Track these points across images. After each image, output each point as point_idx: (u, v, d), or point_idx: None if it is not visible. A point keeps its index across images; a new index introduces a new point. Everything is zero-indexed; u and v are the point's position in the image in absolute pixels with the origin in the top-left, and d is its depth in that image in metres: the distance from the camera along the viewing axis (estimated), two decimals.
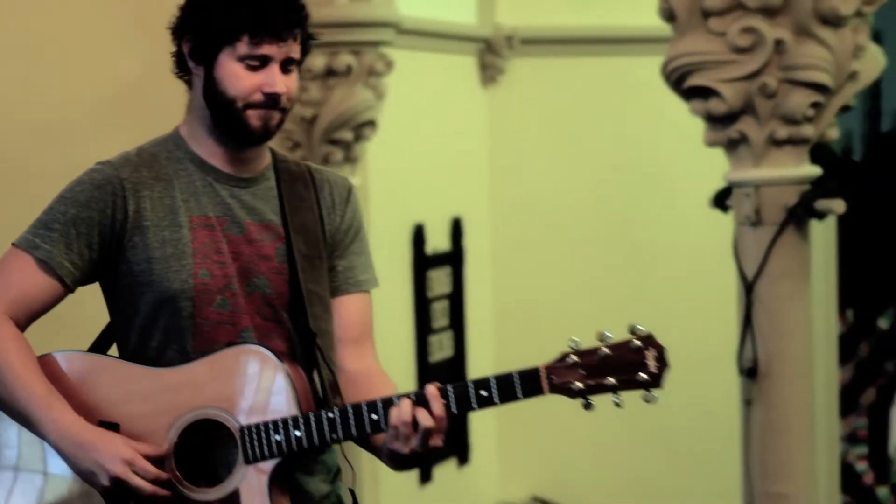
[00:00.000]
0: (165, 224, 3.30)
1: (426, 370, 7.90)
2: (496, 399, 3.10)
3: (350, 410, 3.17)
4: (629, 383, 3.10)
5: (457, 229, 8.31)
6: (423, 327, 7.87)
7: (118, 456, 3.18)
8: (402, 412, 3.05)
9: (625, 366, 3.10)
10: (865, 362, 10.84)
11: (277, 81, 3.25)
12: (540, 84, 8.69)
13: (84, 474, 3.25)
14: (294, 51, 3.30)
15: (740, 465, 5.34)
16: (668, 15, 5.09)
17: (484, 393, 3.09)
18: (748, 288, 5.09)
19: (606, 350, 3.09)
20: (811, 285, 6.92)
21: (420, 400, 3.07)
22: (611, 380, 3.09)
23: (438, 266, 8.13)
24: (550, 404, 8.13)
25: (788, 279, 5.11)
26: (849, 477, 10.66)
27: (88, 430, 3.24)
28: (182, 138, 3.40)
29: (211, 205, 3.34)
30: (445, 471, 8.18)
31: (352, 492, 3.51)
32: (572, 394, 3.10)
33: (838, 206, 5.11)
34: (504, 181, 8.68)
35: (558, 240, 8.63)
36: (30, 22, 6.32)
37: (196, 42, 3.30)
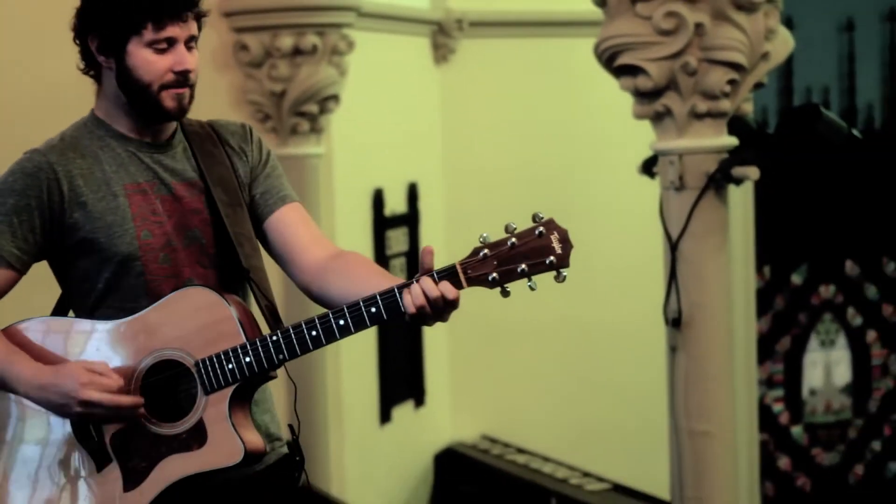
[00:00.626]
0: (101, 195, 3.32)
1: None
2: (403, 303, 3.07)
3: (292, 333, 3.18)
4: (540, 266, 3.06)
5: (413, 193, 8.34)
6: None
7: (77, 381, 3.19)
8: (415, 296, 3.05)
9: (533, 251, 3.06)
10: (781, 314, 10.90)
11: (186, 59, 3.29)
12: (487, 63, 8.71)
13: (58, 410, 3.28)
14: (193, 28, 3.33)
15: (667, 406, 5.35)
16: (600, 1, 5.12)
17: (387, 300, 3.10)
18: (673, 246, 5.12)
19: (514, 240, 3.05)
20: (730, 244, 6.97)
21: (403, 286, 3.09)
22: (523, 266, 3.05)
23: (396, 227, 8.16)
24: (498, 352, 8.25)
25: (709, 238, 5.13)
26: (766, 417, 10.74)
27: (46, 371, 3.26)
28: (100, 119, 3.42)
29: (139, 172, 3.37)
30: (403, 412, 8.22)
31: (291, 427, 3.50)
32: (489, 284, 3.07)
33: (753, 172, 5.13)
34: (455, 150, 8.70)
35: (503, 203, 8.64)
36: None
37: (103, 37, 3.30)
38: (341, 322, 3.13)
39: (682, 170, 5.07)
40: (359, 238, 7.61)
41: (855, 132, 5.25)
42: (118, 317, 3.34)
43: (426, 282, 3.03)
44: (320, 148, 7.21)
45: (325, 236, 3.54)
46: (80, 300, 3.44)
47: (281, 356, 3.21)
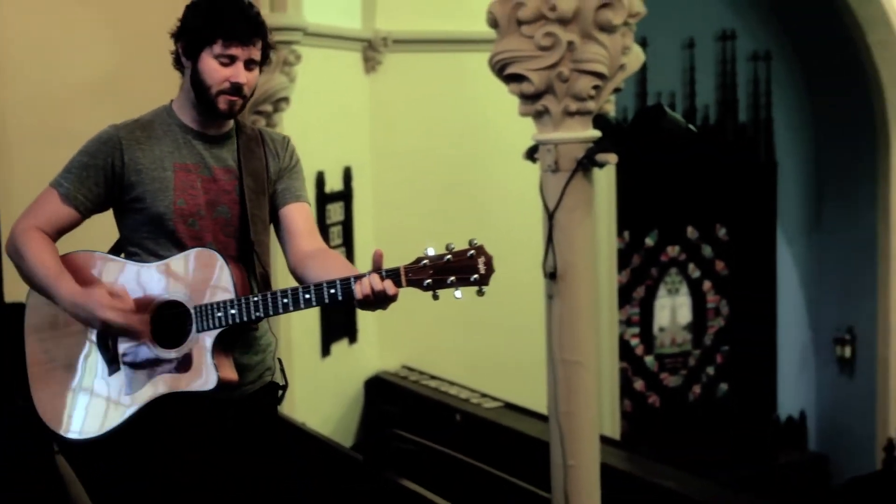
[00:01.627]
0: (154, 167, 3.43)
1: None
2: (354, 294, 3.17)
3: (269, 297, 3.28)
4: (465, 281, 3.16)
5: (347, 175, 8.33)
6: None
7: (99, 302, 3.32)
8: (364, 285, 3.14)
9: (462, 268, 3.15)
10: (637, 269, 11.04)
11: (241, 75, 3.38)
12: (407, 72, 8.71)
13: (84, 322, 3.41)
14: (255, 54, 3.42)
15: (545, 341, 5.37)
16: (493, 23, 5.09)
17: (344, 289, 3.17)
18: (550, 216, 5.12)
19: (450, 256, 3.14)
20: (596, 214, 7.00)
21: (356, 279, 3.16)
22: (452, 279, 3.14)
23: (334, 201, 8.14)
24: (415, 300, 8.19)
25: (578, 210, 5.12)
26: (625, 349, 10.88)
27: (80, 291, 3.39)
28: (173, 110, 3.53)
29: (189, 155, 3.47)
30: (339, 348, 8.22)
31: (279, 361, 3.65)
32: (423, 287, 3.16)
33: (612, 158, 5.13)
34: (381, 142, 8.71)
35: (420, 183, 8.68)
36: (37, 21, 6.34)
37: (187, 44, 3.42)
38: (307, 296, 3.22)
39: (557, 156, 5.08)
40: None
41: (692, 127, 5.27)
42: (149, 261, 3.45)
43: (374, 277, 3.11)
44: (279, 132, 7.18)
45: (318, 234, 3.61)
46: (127, 246, 3.55)
47: (258, 313, 3.30)
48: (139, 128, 3.49)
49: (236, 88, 3.38)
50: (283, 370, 3.66)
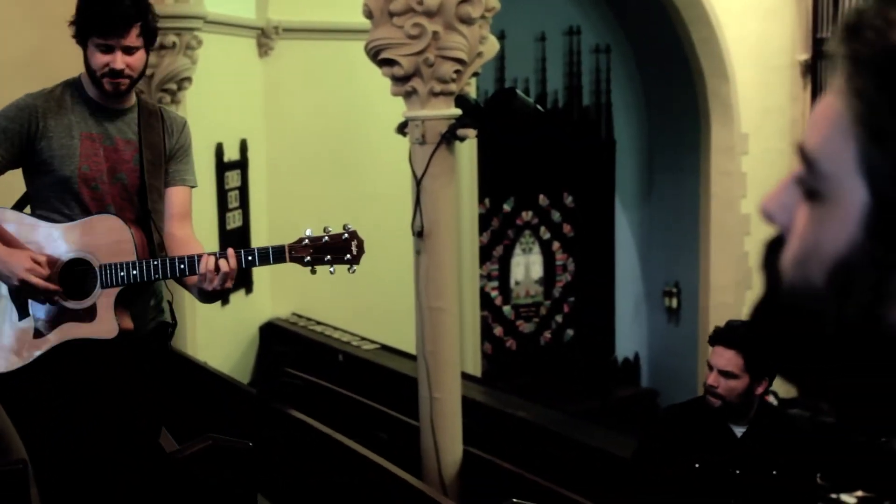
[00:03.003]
0: (63, 135, 3.42)
1: (225, 235, 7.85)
2: (257, 261, 3.28)
3: (167, 261, 3.32)
4: (339, 260, 3.32)
5: (244, 146, 8.24)
6: (223, 207, 7.81)
7: (22, 265, 3.31)
8: (208, 263, 3.18)
9: (338, 249, 3.31)
10: (496, 231, 11.12)
11: (118, 61, 3.37)
12: (296, 57, 8.64)
13: (3, 279, 3.38)
14: (132, 41, 3.40)
15: (414, 291, 5.41)
16: (368, 14, 5.09)
17: (250, 258, 3.28)
18: (418, 182, 5.14)
19: (327, 238, 3.30)
20: (460, 182, 7.05)
21: (221, 255, 3.22)
22: (328, 257, 3.30)
23: (232, 169, 8.06)
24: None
25: (442, 177, 5.15)
26: (486, 300, 10.96)
27: (2, 249, 3.36)
28: (81, 83, 3.52)
29: (94, 126, 3.46)
30: (237, 298, 8.16)
31: (169, 303, 3.65)
32: (303, 263, 3.29)
33: (471, 133, 5.17)
34: (274, 117, 8.63)
35: (308, 154, 8.64)
36: None
37: (77, 34, 3.44)
38: (181, 265, 3.29)
39: (424, 130, 5.10)
40: (206, 177, 7.49)
41: (539, 107, 5.33)
42: (56, 220, 3.43)
43: (212, 259, 3.23)
44: (179, 114, 7.10)
45: (190, 219, 3.62)
46: (34, 202, 3.53)
47: (157, 276, 3.34)
48: (53, 98, 3.46)
49: (115, 73, 3.36)
50: (172, 311, 3.66)
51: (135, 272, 3.31)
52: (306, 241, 3.28)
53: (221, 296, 3.32)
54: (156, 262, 3.31)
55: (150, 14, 3.47)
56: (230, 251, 3.24)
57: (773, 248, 0.81)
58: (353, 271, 3.34)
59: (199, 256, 3.26)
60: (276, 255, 3.25)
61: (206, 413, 5.91)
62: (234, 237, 8.00)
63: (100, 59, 3.36)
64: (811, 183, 0.76)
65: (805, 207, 0.77)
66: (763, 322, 0.82)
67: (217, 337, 7.77)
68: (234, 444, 4.35)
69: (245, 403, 5.99)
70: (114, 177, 3.45)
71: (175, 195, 3.57)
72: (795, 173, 0.78)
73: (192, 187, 3.66)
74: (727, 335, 3.80)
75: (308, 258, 3.28)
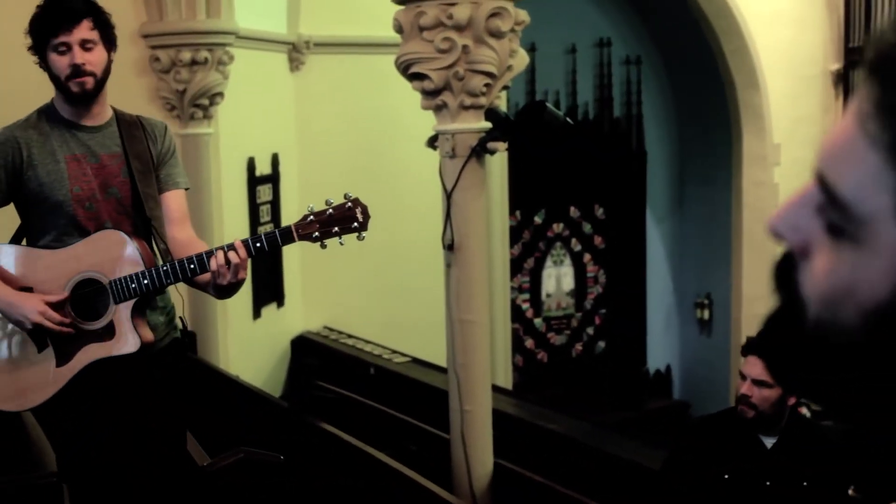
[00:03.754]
0: (48, 161, 3.40)
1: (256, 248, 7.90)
2: (266, 246, 3.23)
3: (176, 264, 3.29)
4: (347, 230, 3.29)
5: (275, 161, 8.30)
6: (254, 221, 7.86)
7: (35, 309, 3.29)
8: (218, 258, 3.16)
9: (344, 218, 3.28)
10: (527, 243, 11.11)
11: (77, 56, 3.37)
12: (327, 71, 8.70)
13: (16, 323, 3.35)
14: (86, 34, 3.39)
15: (445, 303, 5.41)
16: (399, 28, 5.11)
17: (258, 244, 3.23)
18: (448, 195, 5.14)
19: (331, 210, 3.26)
20: (490, 195, 7.05)
21: (230, 248, 3.18)
22: (336, 228, 3.27)
23: (264, 184, 8.11)
24: (335, 268, 8.14)
25: (472, 190, 5.15)
26: (517, 312, 10.96)
27: (13, 294, 3.35)
28: (54, 107, 3.50)
29: (76, 147, 3.44)
30: (269, 311, 8.22)
31: (182, 319, 3.65)
32: (312, 239, 3.26)
33: (501, 146, 5.16)
34: (305, 132, 8.69)
35: (339, 167, 8.67)
36: None
37: (35, 52, 3.45)
38: (192, 266, 3.26)
39: (454, 144, 5.10)
40: (237, 191, 7.57)
41: (569, 120, 5.33)
42: (56, 246, 3.40)
43: (221, 253, 3.20)
44: (210, 129, 7.16)
45: (188, 220, 3.62)
46: (30, 234, 3.50)
47: (169, 280, 3.31)
48: (31, 126, 3.45)
49: (76, 70, 3.36)
50: (185, 327, 3.67)
51: (146, 281, 3.29)
52: (311, 217, 3.27)
53: (236, 289, 3.29)
54: (165, 267, 3.29)
55: (102, 11, 3.47)
56: (237, 242, 3.22)
57: (786, 268, 0.79)
58: (363, 238, 3.31)
59: (208, 254, 3.25)
60: (283, 236, 3.23)
61: (238, 426, 5.95)
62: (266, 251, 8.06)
63: (59, 61, 3.38)
64: (839, 223, 0.72)
65: (828, 242, 0.74)
66: (784, 343, 0.81)
67: (249, 350, 7.81)
68: (265, 457, 4.37)
69: (276, 416, 6.03)
70: (106, 192, 3.44)
71: (171, 200, 3.57)
72: (811, 198, 0.75)
73: (186, 189, 3.66)
74: (759, 345, 3.79)
75: (316, 234, 3.26)
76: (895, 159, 0.68)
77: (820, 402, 0.80)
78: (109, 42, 3.47)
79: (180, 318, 3.65)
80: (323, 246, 3.28)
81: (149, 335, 3.40)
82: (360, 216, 3.30)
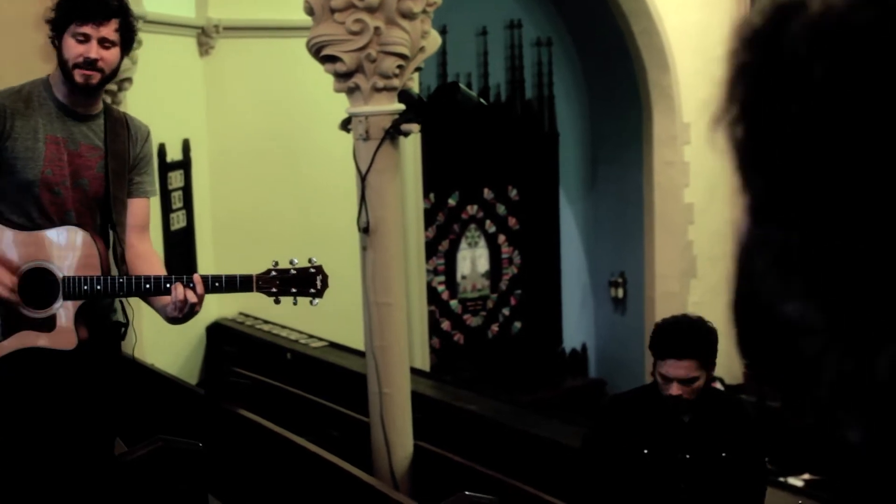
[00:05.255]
0: (28, 137, 3.40)
1: (169, 235, 7.82)
2: (224, 286, 3.38)
3: (133, 280, 3.36)
4: (304, 293, 3.47)
5: (186, 146, 8.20)
6: (166, 208, 7.77)
7: None
8: (177, 293, 3.24)
9: (303, 282, 3.45)
10: (442, 225, 11.13)
11: (93, 51, 3.37)
12: (238, 56, 8.63)
13: None
14: (108, 34, 3.40)
15: (361, 287, 5.41)
16: (310, 11, 5.07)
17: (217, 284, 3.36)
18: (362, 178, 5.13)
19: (294, 271, 3.44)
20: (404, 178, 7.02)
21: (189, 282, 3.26)
22: (294, 289, 3.44)
23: (175, 170, 8.02)
24: (251, 253, 8.08)
25: (386, 172, 5.14)
26: (433, 295, 10.98)
27: None
28: (49, 84, 3.50)
29: (60, 129, 3.44)
30: None
31: (121, 302, 3.64)
32: (269, 294, 3.42)
33: (415, 128, 5.18)
34: (215, 116, 8.59)
35: (251, 152, 8.60)
36: None
37: (53, 26, 3.44)
38: (168, 284, 3.32)
39: (368, 126, 5.09)
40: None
41: (482, 101, 5.35)
42: (19, 222, 3.41)
43: (180, 287, 3.29)
44: (143, 123, 7.05)
45: (148, 232, 3.65)
46: None
47: (121, 291, 3.37)
48: (21, 98, 3.44)
49: (88, 63, 3.36)
50: (124, 309, 3.65)
51: (99, 287, 3.34)
52: (274, 272, 3.42)
53: (189, 318, 3.37)
54: (122, 280, 3.34)
55: (131, 15, 3.51)
56: (197, 278, 3.31)
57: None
58: (315, 304, 3.48)
59: (166, 279, 3.31)
60: (243, 283, 3.37)
61: (155, 415, 5.88)
62: (178, 238, 7.96)
63: (75, 48, 3.37)
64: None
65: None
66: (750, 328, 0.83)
67: (163, 338, 7.71)
68: (183, 445, 4.33)
69: (194, 404, 5.97)
70: (75, 182, 3.44)
71: (136, 206, 3.59)
72: None
73: (150, 197, 3.69)
74: (677, 348, 3.71)
75: (274, 289, 3.40)
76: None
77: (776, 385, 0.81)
78: (127, 45, 3.48)
79: (120, 301, 3.64)
80: (277, 301, 3.44)
81: (85, 334, 3.46)
82: (318, 284, 3.47)
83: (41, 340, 3.36)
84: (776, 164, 0.69)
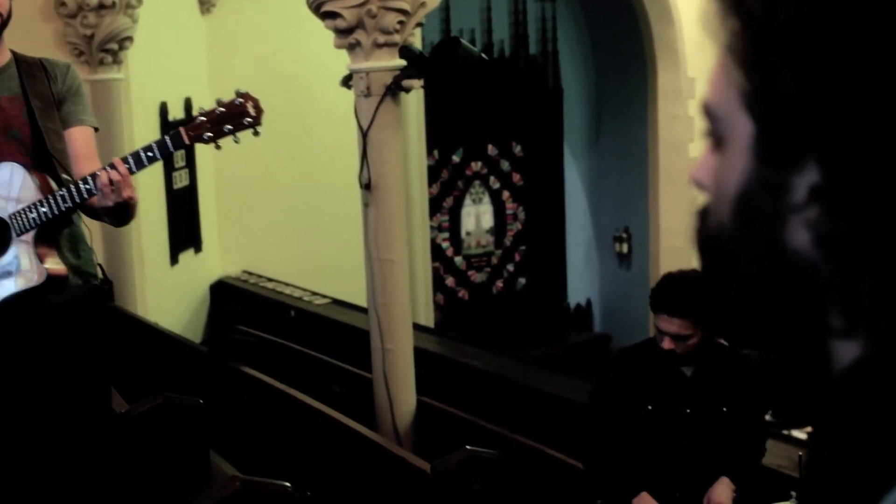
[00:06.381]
0: None
1: (172, 194, 7.80)
2: (158, 155, 3.15)
3: (72, 186, 3.22)
4: (240, 126, 3.16)
5: (188, 105, 8.15)
6: (168, 167, 7.75)
7: None
8: (101, 177, 3.09)
9: (235, 115, 3.15)
10: (446, 182, 11.07)
11: None
12: (239, 13, 8.60)
13: None
14: None
15: (363, 243, 5.40)
16: None
17: (150, 153, 3.15)
18: (364, 135, 5.12)
19: (221, 108, 3.15)
20: (407, 135, 6.98)
21: (111, 167, 3.11)
22: (228, 126, 3.15)
23: (177, 127, 7.99)
24: (253, 212, 8.09)
25: (388, 129, 5.14)
26: (437, 251, 10.95)
27: None
28: None
29: None
30: (186, 257, 8.12)
31: (100, 266, 3.56)
32: (205, 140, 3.17)
33: (416, 84, 5.16)
34: (217, 73, 8.54)
35: None
36: None
37: None
38: (87, 186, 3.19)
39: (369, 83, 5.08)
40: (150, 137, 7.26)
41: (484, 56, 5.31)
42: None
43: (104, 173, 3.15)
44: (121, 74, 7.00)
45: (96, 157, 3.50)
46: None
47: (67, 204, 3.22)
48: None
49: None
50: (104, 273, 3.58)
51: (44, 209, 3.23)
52: (201, 117, 3.16)
53: (129, 211, 3.22)
54: (62, 192, 3.22)
55: None
56: (116, 160, 3.15)
57: (702, 217, 0.83)
58: (258, 133, 3.19)
59: (93, 175, 3.18)
60: (174, 140, 3.14)
61: (159, 373, 5.89)
62: (181, 196, 7.94)
63: None
64: (713, 132, 0.79)
65: (714, 158, 0.79)
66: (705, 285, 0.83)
67: (167, 297, 7.73)
68: (185, 402, 4.34)
69: (197, 362, 5.98)
70: (7, 135, 3.38)
71: (75, 136, 3.47)
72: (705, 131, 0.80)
73: (94, 128, 3.57)
74: (670, 305, 3.73)
75: (208, 134, 3.15)
76: (737, 57, 0.75)
77: (738, 340, 0.83)
78: None
79: (99, 265, 3.56)
80: (217, 147, 3.18)
81: (59, 268, 3.33)
82: (251, 110, 3.17)
83: (11, 286, 3.29)
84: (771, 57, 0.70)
